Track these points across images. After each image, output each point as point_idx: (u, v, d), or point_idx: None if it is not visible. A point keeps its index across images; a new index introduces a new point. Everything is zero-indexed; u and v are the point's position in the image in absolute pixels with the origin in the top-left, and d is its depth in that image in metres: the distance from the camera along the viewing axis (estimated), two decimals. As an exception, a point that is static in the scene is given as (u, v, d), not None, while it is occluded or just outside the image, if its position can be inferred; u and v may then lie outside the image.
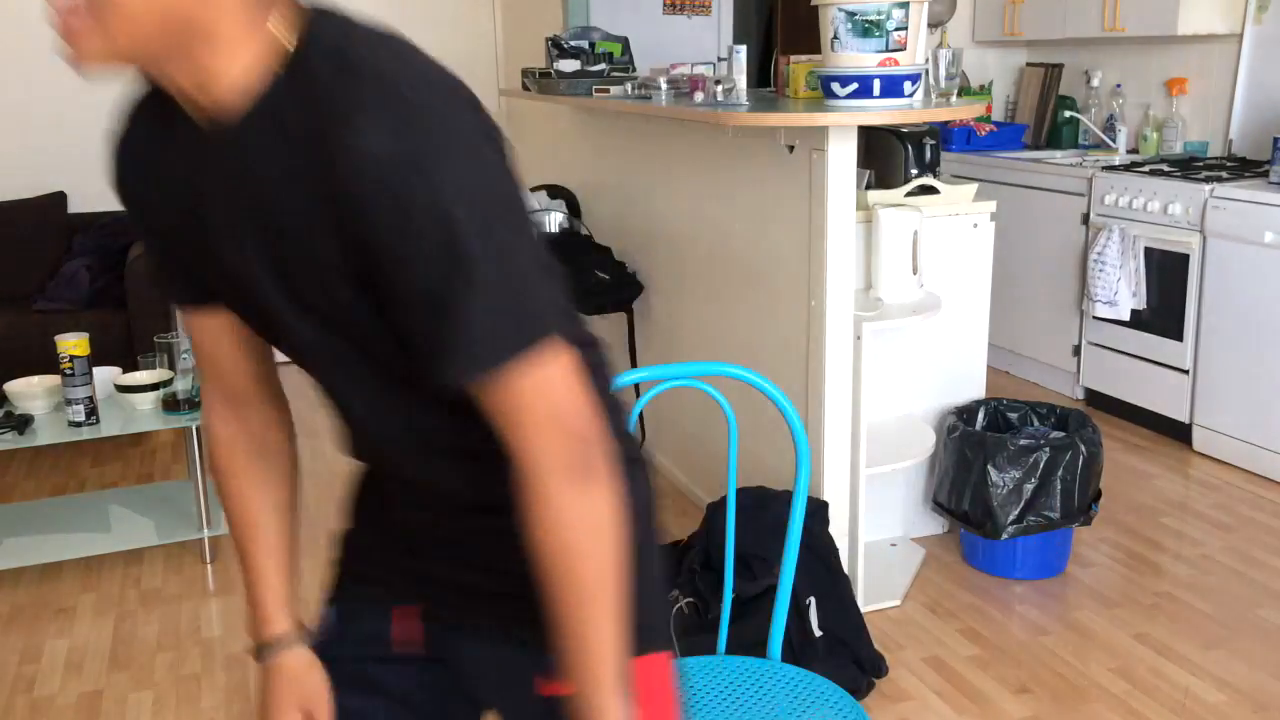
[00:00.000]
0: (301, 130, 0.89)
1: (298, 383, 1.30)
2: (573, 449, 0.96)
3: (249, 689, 2.67)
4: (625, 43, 4.24)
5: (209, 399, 1.22)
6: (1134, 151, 4.79)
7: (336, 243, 0.91)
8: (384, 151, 0.85)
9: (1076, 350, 4.50)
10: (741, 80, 3.21)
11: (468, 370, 0.93)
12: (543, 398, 0.95)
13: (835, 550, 2.71)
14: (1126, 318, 4.15)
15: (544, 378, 0.94)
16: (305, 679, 1.24)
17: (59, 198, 4.88)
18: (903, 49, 2.62)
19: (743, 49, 3.28)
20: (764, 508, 2.64)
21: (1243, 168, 4.11)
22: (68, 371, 3.12)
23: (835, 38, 2.64)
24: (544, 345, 0.94)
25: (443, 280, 0.88)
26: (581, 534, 0.97)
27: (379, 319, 0.96)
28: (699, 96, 3.24)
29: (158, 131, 1.02)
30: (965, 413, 3.26)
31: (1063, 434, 3.14)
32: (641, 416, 4.07)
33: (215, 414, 1.22)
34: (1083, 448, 2.98)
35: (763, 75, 5.98)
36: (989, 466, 2.98)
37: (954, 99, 3.08)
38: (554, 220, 4.23)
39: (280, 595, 1.25)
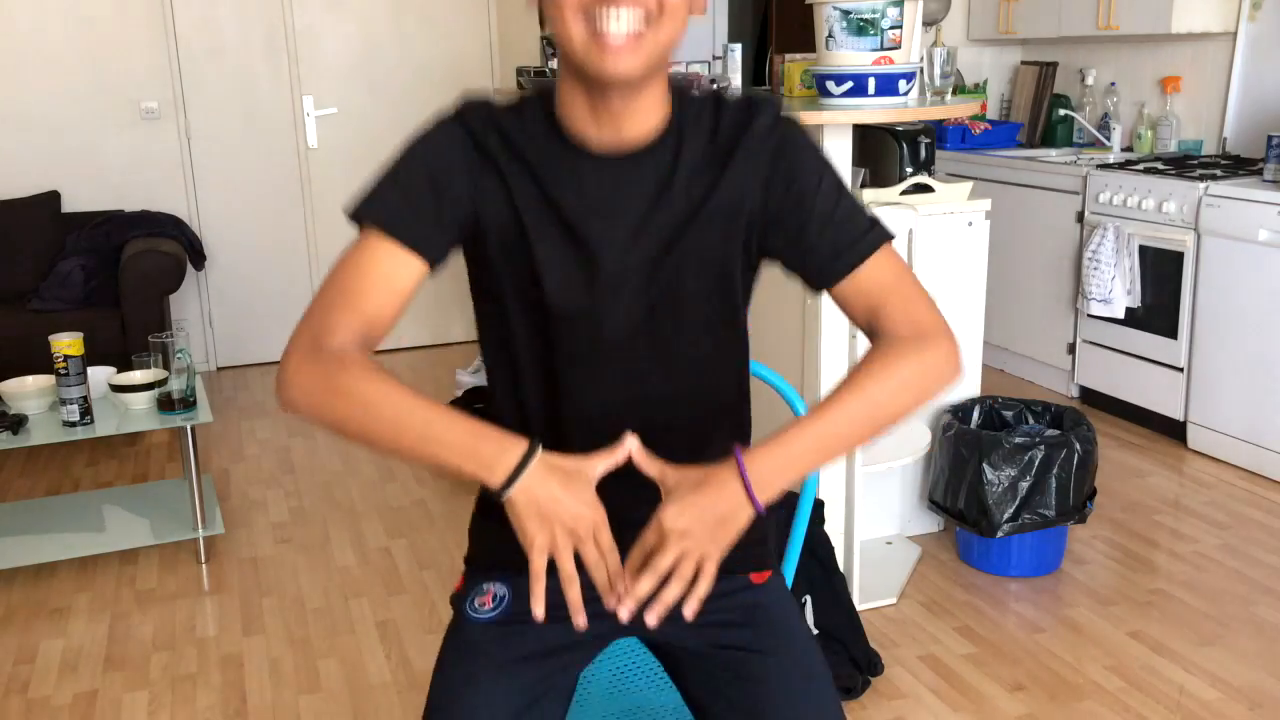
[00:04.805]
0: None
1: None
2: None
3: (244, 688, 2.67)
4: (620, 41, 4.23)
5: (346, 336, 1.22)
6: (1128, 149, 4.80)
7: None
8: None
9: (1071, 348, 4.50)
10: (737, 79, 3.21)
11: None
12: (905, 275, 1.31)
13: (831, 548, 2.71)
14: (1121, 315, 4.16)
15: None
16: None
17: (53, 197, 4.87)
18: (897, 47, 2.62)
19: (738, 48, 3.28)
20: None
21: (1237, 166, 4.11)
22: (62, 371, 3.11)
23: (830, 36, 2.64)
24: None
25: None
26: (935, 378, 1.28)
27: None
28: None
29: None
30: (960, 411, 3.27)
31: (1058, 432, 3.14)
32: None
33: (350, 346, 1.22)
34: (1077, 445, 2.98)
35: (758, 74, 5.98)
36: (984, 464, 2.98)
37: (949, 97, 3.09)
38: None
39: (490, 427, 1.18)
